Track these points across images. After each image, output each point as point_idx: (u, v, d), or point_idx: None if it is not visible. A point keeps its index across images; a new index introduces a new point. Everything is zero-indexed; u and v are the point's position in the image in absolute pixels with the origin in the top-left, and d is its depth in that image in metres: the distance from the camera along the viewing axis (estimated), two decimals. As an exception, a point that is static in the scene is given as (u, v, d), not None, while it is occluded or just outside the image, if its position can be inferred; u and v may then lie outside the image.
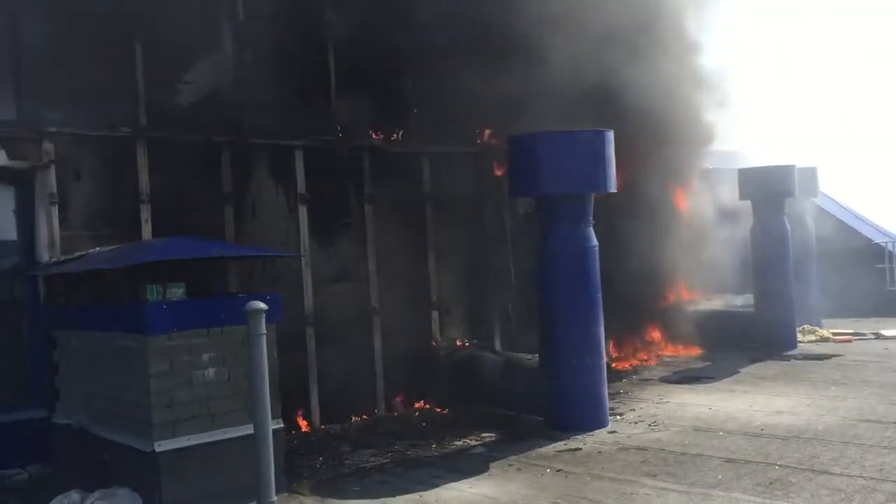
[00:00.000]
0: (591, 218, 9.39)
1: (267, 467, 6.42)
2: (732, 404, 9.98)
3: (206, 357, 6.93)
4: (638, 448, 8.27)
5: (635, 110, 11.69)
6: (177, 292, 6.83)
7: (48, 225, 8.54)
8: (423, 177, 11.26)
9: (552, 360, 9.37)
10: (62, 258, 8.43)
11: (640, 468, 7.57)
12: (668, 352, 13.82)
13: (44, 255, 8.50)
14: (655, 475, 7.28)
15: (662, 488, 6.90)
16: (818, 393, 10.33)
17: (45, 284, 8.48)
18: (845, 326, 15.49)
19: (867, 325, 15.77)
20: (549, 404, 9.36)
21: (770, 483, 6.85)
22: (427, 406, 10.73)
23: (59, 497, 6.86)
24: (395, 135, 11.04)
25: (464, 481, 7.49)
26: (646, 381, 11.79)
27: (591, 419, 9.25)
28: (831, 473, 7.00)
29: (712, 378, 11.73)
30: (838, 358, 12.76)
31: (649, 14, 12.42)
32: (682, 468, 7.47)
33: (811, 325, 14.96)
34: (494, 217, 12.00)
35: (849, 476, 6.90)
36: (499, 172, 11.79)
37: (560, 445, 8.57)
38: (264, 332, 6.45)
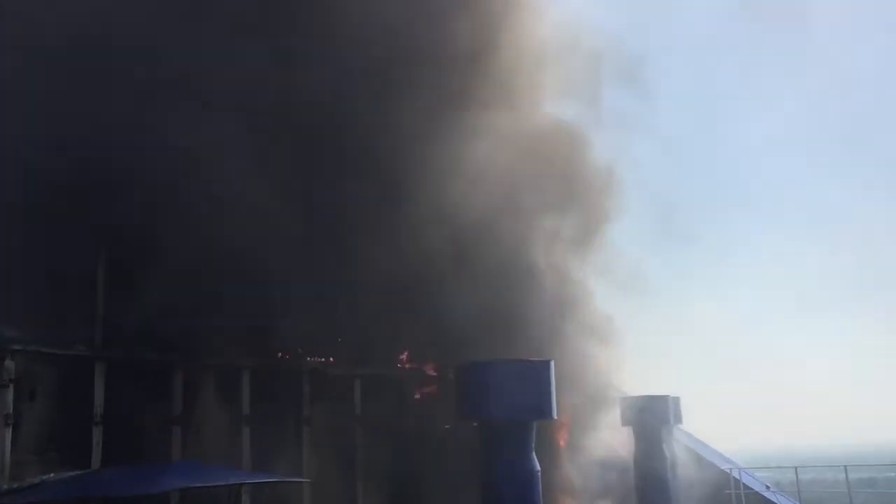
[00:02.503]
0: (533, 443, 9.84)
1: None
2: None
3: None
4: None
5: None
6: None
7: (1, 449, 8.02)
8: (355, 399, 11.42)
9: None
10: (14, 485, 7.90)
11: None
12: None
13: (-8, 483, 7.92)
14: None
15: None
16: None
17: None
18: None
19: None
20: None
21: None
22: None
23: None
24: (329, 357, 11.28)
25: None
26: None
27: None
28: None
29: None
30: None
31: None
32: None
33: (682, 546, 15.71)
34: (419, 437, 12.18)
35: None
36: (418, 396, 12.17)
37: None
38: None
